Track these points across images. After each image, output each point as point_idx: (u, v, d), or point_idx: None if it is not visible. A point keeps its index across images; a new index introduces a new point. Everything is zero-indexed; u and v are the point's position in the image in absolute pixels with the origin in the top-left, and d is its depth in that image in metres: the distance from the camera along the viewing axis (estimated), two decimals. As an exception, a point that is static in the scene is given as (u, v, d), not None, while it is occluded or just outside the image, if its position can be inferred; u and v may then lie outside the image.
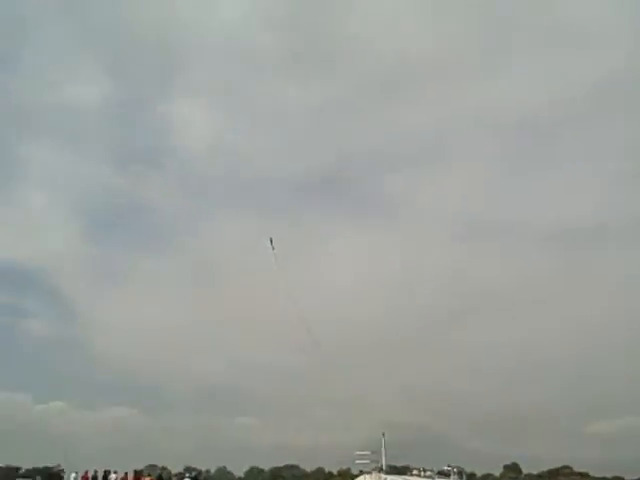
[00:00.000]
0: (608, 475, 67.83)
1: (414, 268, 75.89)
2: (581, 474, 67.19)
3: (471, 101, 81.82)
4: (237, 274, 71.24)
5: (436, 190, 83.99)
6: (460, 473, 38.73)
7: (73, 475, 33.76)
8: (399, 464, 42.82)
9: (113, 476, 33.72)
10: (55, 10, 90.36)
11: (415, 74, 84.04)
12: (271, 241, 39.82)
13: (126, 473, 34.78)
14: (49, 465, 58.48)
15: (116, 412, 69.36)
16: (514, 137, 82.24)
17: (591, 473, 66.98)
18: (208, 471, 66.97)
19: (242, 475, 70.92)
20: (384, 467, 37.99)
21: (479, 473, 70.02)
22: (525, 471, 70.77)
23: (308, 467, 67.72)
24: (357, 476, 42.01)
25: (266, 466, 68.82)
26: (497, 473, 72.11)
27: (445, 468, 38.60)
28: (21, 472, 55.15)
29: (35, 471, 52.42)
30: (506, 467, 71.29)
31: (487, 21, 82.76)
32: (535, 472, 69.85)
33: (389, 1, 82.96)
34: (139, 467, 39.43)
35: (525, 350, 64.89)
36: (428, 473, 39.08)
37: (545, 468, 69.30)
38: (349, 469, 61.13)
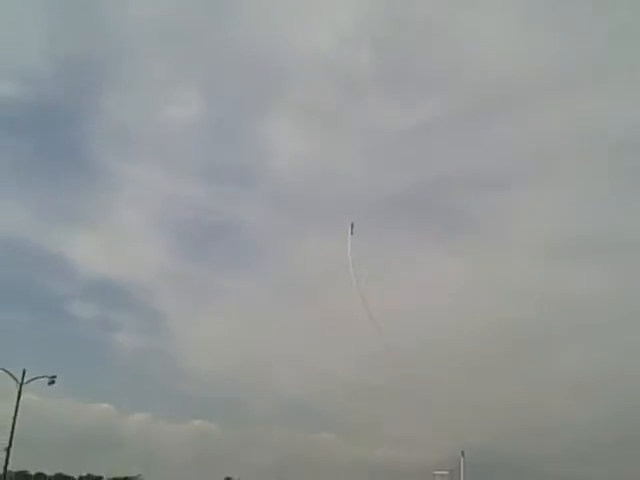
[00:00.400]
0: None
1: (501, 288, 74.55)
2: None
3: (571, 119, 78.89)
4: (321, 292, 72.18)
5: (530, 209, 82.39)
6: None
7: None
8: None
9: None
10: (157, 33, 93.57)
11: (513, 94, 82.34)
12: (352, 226, 40.85)
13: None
14: (130, 475, 60.82)
15: (198, 425, 70.26)
16: (617, 156, 79.38)
17: None
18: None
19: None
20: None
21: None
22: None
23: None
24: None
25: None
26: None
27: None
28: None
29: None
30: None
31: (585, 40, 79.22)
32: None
33: (487, 20, 79.99)
34: None
35: (620, 372, 62.81)
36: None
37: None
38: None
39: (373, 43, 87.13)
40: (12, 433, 32.14)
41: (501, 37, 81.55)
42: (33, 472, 59.78)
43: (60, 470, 59.94)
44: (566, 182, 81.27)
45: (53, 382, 33.73)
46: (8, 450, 32.01)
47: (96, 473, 61.80)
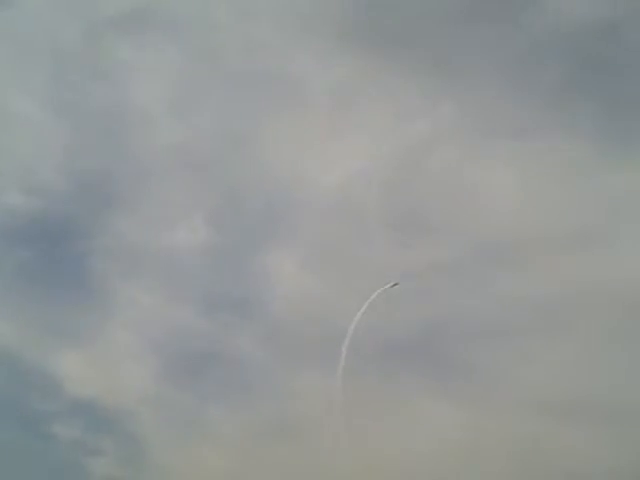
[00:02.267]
0: None
1: (490, 440, 75.88)
2: None
3: (576, 275, 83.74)
4: (308, 434, 73.28)
5: (527, 363, 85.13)
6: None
7: None
8: None
9: None
10: (175, 160, 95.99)
11: (518, 246, 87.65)
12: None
13: None
14: None
15: None
16: (620, 314, 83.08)
17: None
18: None
19: None
20: None
21: None
22: None
23: None
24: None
25: None
26: None
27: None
28: None
29: None
30: None
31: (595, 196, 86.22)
32: None
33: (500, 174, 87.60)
34: None
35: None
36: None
37: None
38: None
39: (383, 185, 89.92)
40: None
41: (511, 191, 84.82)
42: None
43: None
44: (566, 337, 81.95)
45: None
46: None
47: None
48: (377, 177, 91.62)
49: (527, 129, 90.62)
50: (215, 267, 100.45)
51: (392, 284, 45.85)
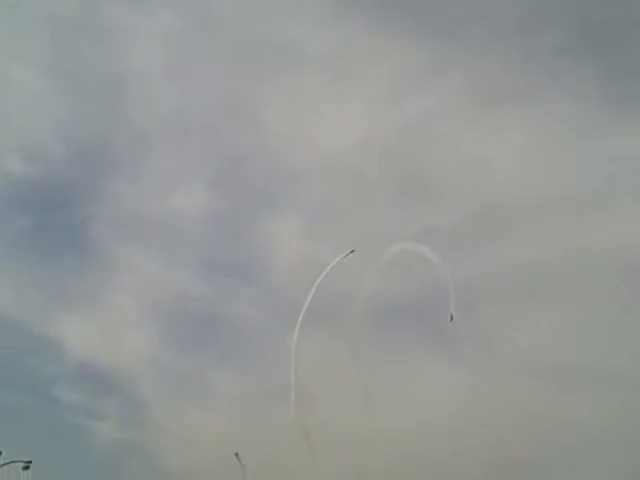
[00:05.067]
0: None
1: (493, 407, 75.64)
2: None
3: (576, 240, 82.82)
4: (313, 394, 73.19)
5: (524, 327, 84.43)
6: None
7: None
8: None
9: None
10: (173, 126, 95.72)
11: (519, 209, 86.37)
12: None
13: None
14: None
15: None
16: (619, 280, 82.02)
17: None
18: None
19: None
20: None
21: None
22: None
23: None
24: None
25: None
26: None
27: None
28: None
29: None
30: None
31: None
32: None
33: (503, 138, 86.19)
34: None
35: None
36: None
37: None
38: None
39: (384, 151, 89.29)
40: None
41: (513, 156, 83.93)
42: None
43: None
44: (565, 301, 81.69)
45: (28, 467, 33.17)
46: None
47: None
48: (378, 143, 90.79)
49: (530, 94, 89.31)
50: (215, 232, 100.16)
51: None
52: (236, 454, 44.84)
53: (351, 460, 64.00)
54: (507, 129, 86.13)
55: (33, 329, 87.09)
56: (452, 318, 47.72)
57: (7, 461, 32.35)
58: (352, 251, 47.90)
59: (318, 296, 70.46)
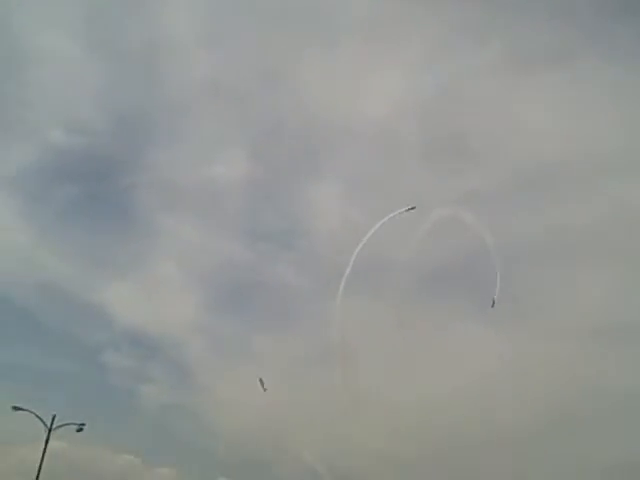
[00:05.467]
0: None
1: (538, 367, 74.53)
2: None
3: (621, 199, 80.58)
4: (356, 357, 73.36)
5: (569, 288, 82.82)
6: None
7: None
8: None
9: None
10: (211, 93, 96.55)
11: (564, 172, 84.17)
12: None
13: None
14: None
15: None
16: None
17: None
18: None
19: None
20: None
21: None
22: None
23: None
24: None
25: None
26: None
27: None
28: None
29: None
30: None
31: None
32: None
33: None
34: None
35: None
36: None
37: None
38: None
39: (421, 116, 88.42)
40: (37, 477, 32.54)
41: (553, 117, 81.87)
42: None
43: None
44: (611, 261, 79.87)
45: (81, 429, 34.17)
46: (32, 495, 32.38)
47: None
48: (415, 107, 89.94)
49: (568, 56, 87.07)
50: (256, 199, 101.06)
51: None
52: (260, 379, 45.22)
53: (395, 421, 64.62)
54: (546, 90, 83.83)
55: (81, 297, 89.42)
56: (494, 304, 46.37)
57: (61, 424, 33.35)
58: (413, 207, 46.90)
59: (360, 260, 70.26)
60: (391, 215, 50.12)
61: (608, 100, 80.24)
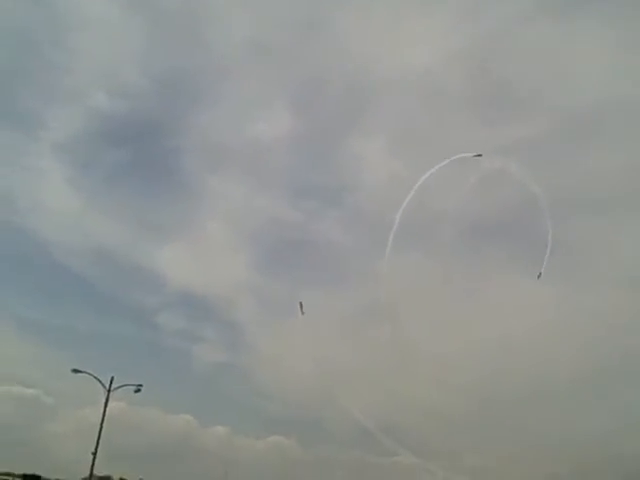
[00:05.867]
0: None
1: (589, 317, 72.56)
2: None
3: None
4: (405, 311, 72.57)
5: (618, 237, 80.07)
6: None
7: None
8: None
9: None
10: (250, 52, 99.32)
11: (610, 119, 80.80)
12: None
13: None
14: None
15: (275, 441, 71.47)
16: None
17: None
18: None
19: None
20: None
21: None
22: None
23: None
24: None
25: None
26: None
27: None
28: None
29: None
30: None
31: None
32: None
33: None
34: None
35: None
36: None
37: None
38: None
39: (466, 64, 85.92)
40: (99, 438, 33.18)
41: (602, 63, 78.08)
42: (116, 477, 61.68)
43: (142, 476, 61.54)
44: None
45: (139, 390, 34.58)
46: (94, 454, 33.03)
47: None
48: (459, 57, 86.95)
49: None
50: (300, 156, 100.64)
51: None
52: (300, 303, 45.43)
53: (443, 375, 64.12)
54: (590, 37, 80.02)
55: (132, 260, 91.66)
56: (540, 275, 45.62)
57: (120, 384, 33.83)
58: (479, 154, 46.00)
59: (407, 214, 69.01)
60: (456, 157, 49.08)
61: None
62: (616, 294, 71.50)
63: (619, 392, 65.98)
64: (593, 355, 68.70)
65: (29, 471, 57.75)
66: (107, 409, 33.47)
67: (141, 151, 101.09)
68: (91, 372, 33.56)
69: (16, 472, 57.14)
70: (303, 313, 47.10)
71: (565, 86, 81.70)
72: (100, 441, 33.19)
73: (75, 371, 33.40)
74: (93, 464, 33.21)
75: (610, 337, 68.43)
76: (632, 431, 62.15)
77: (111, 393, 33.47)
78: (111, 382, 33.42)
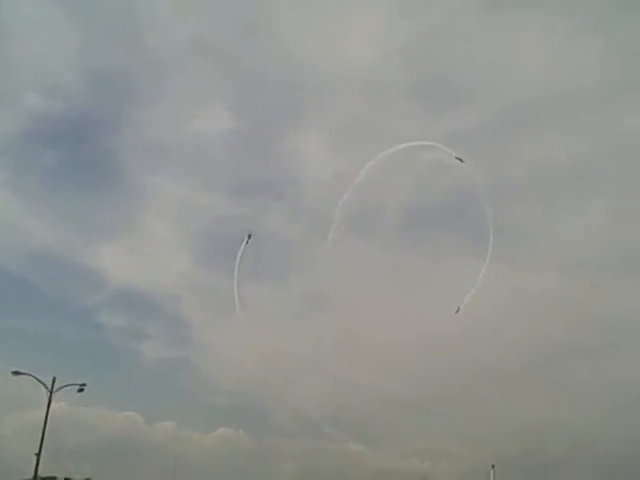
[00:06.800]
0: None
1: (531, 299, 75.41)
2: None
3: (606, 134, 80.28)
4: (350, 301, 73.41)
5: (555, 223, 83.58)
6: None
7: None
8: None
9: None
10: (189, 50, 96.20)
11: (551, 107, 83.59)
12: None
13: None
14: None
15: (223, 433, 71.47)
16: None
17: None
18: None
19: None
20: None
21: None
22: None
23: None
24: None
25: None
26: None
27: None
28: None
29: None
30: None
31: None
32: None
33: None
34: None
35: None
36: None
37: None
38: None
39: (405, 57, 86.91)
40: (42, 439, 33.07)
41: (533, 51, 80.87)
42: (62, 478, 60.91)
43: (88, 476, 61.00)
44: (597, 196, 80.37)
45: (82, 390, 34.60)
46: (38, 456, 32.96)
47: (123, 480, 62.74)
48: (398, 50, 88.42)
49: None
50: (241, 152, 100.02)
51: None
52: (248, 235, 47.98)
53: (391, 362, 65.82)
54: (525, 28, 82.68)
55: (73, 261, 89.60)
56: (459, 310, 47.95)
57: (62, 385, 33.74)
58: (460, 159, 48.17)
59: (350, 205, 70.29)
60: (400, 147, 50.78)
61: (593, 33, 79.38)
62: (558, 276, 75.02)
63: (562, 378, 69.53)
64: (538, 338, 71.45)
65: (-28, 475, 56.44)
66: (50, 410, 33.39)
67: (79, 151, 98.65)
68: (33, 374, 33.47)
69: (-42, 476, 55.78)
70: (248, 243, 48.61)
71: (506, 77, 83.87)
72: (44, 442, 33.12)
73: (16, 373, 33.18)
74: (37, 465, 33.15)
75: (553, 319, 71.80)
76: (573, 408, 65.84)
77: (54, 394, 33.41)
78: (53, 383, 33.31)
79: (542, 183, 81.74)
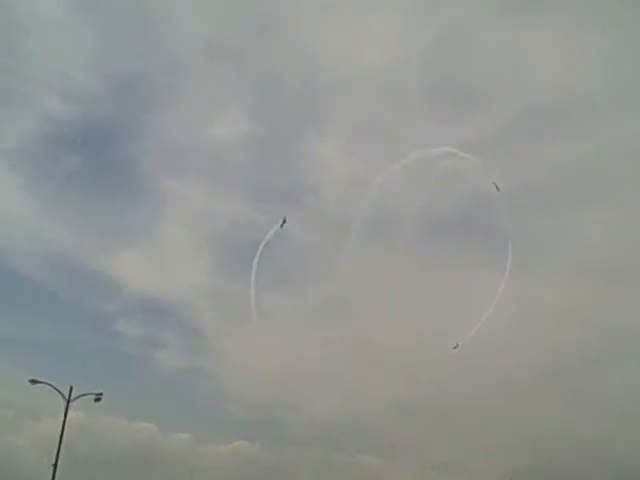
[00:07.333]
0: None
1: (545, 308, 74.50)
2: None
3: (626, 136, 79.48)
4: (368, 309, 72.98)
5: (574, 231, 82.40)
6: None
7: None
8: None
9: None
10: (207, 54, 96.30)
11: (567, 107, 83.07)
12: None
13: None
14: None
15: (239, 446, 70.86)
16: None
17: None
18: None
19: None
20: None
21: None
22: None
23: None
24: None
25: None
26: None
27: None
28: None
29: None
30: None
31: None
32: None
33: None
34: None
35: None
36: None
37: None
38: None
39: (423, 61, 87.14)
40: (59, 449, 32.75)
41: (552, 55, 79.97)
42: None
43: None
44: (620, 204, 78.89)
45: (99, 399, 34.23)
46: (55, 466, 32.61)
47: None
48: (416, 54, 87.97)
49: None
50: (259, 157, 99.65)
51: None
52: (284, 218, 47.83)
53: (407, 371, 65.01)
54: (542, 32, 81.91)
55: (90, 267, 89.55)
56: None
57: (79, 394, 33.43)
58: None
59: (368, 212, 69.72)
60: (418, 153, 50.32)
61: (606, 38, 78.41)
62: (578, 285, 73.85)
63: (581, 389, 68.40)
64: (555, 344, 70.33)
65: (-11, 484, 56.32)
66: (67, 419, 33.08)
67: (98, 155, 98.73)
68: (50, 382, 33.15)
69: (-24, 487, 55.68)
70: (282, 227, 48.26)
71: (523, 81, 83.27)
72: (61, 452, 32.81)
73: (33, 382, 32.89)
74: (54, 475, 32.79)
75: (569, 329, 70.64)
76: (591, 420, 64.59)
77: (71, 403, 33.11)
78: (70, 392, 33.05)
79: (562, 189, 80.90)
